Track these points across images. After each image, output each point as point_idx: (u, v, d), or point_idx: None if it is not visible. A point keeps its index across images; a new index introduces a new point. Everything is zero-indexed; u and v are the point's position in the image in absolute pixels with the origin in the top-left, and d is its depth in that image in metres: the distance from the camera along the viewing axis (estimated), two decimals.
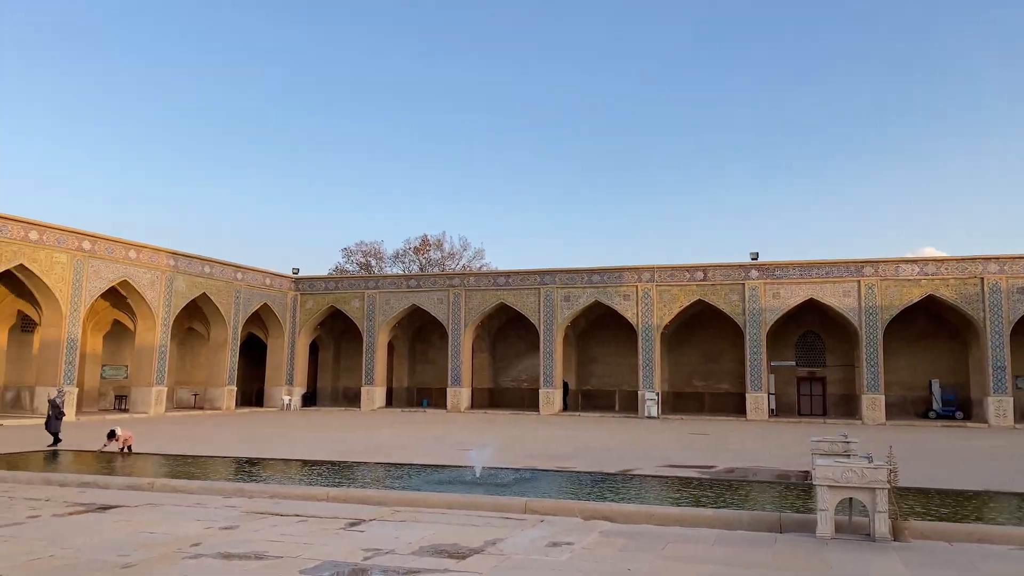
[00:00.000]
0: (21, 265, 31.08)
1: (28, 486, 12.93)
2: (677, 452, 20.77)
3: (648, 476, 15.21)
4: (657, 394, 39.06)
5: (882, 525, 9.02)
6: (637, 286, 40.46)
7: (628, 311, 40.65)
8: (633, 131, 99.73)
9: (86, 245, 33.71)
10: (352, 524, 9.82)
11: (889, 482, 9.03)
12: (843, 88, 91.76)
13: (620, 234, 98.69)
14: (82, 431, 25.60)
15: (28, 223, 31.33)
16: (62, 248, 32.60)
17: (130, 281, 36.08)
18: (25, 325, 38.63)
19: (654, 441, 24.52)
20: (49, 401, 21.40)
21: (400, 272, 63.70)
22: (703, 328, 43.49)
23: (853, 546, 8.81)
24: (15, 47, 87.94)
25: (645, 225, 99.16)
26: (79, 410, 34.62)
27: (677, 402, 43.60)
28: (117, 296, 37.83)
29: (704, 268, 39.93)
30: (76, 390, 33.42)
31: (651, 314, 40.07)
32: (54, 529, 9.34)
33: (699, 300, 39.96)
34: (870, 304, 37.08)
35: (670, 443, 23.82)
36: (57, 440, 20.74)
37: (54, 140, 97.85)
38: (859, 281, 37.39)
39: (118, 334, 42.43)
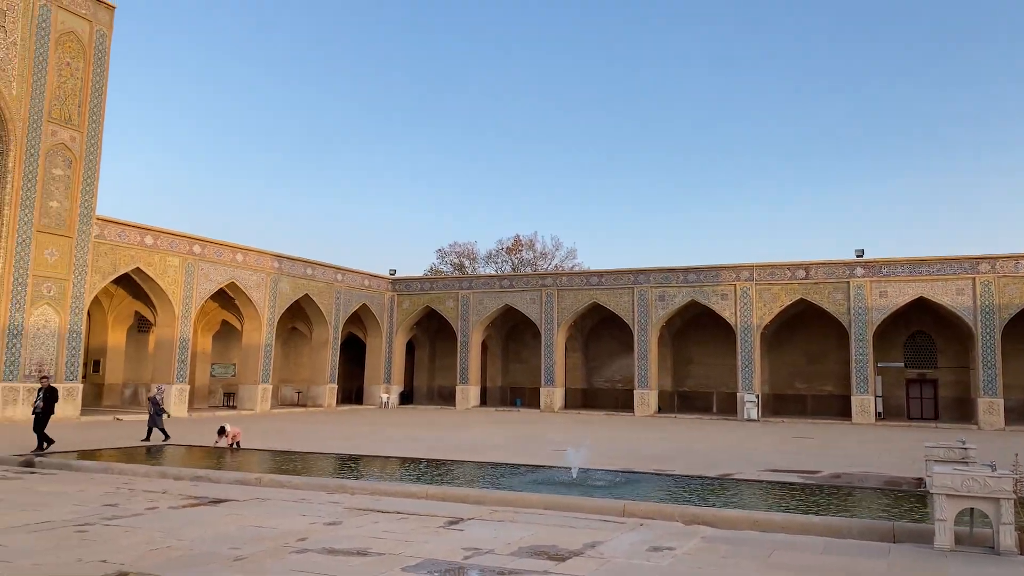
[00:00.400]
0: (138, 268, 32.82)
1: (146, 479, 13.59)
2: (779, 456, 20.16)
3: (749, 481, 14.82)
4: (757, 396, 38.09)
5: (1007, 538, 8.47)
6: (735, 285, 39.53)
7: (725, 310, 39.76)
8: (727, 125, 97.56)
9: (196, 249, 35.33)
10: (451, 523, 9.90)
11: (1015, 492, 8.48)
12: (953, 79, 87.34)
13: (716, 231, 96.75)
14: (193, 427, 26.80)
15: (144, 229, 33.06)
16: (174, 252, 34.25)
17: (237, 283, 37.62)
18: (141, 325, 40.82)
19: (754, 444, 23.88)
20: (149, 399, 22.33)
21: (493, 272, 64.20)
22: (805, 328, 42.16)
23: (975, 559, 8.31)
24: (131, 55, 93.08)
25: (742, 222, 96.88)
26: (190, 407, 36.31)
27: (778, 404, 42.39)
28: (225, 297, 39.50)
29: (806, 266, 38.69)
30: (188, 387, 35.08)
31: (750, 313, 39.07)
32: (171, 521, 9.77)
33: (801, 299, 38.75)
34: (986, 303, 35.11)
35: (771, 447, 23.15)
36: (161, 436, 21.38)
37: (162, 146, 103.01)
38: (974, 279, 35.45)
39: (226, 334, 44.30)
